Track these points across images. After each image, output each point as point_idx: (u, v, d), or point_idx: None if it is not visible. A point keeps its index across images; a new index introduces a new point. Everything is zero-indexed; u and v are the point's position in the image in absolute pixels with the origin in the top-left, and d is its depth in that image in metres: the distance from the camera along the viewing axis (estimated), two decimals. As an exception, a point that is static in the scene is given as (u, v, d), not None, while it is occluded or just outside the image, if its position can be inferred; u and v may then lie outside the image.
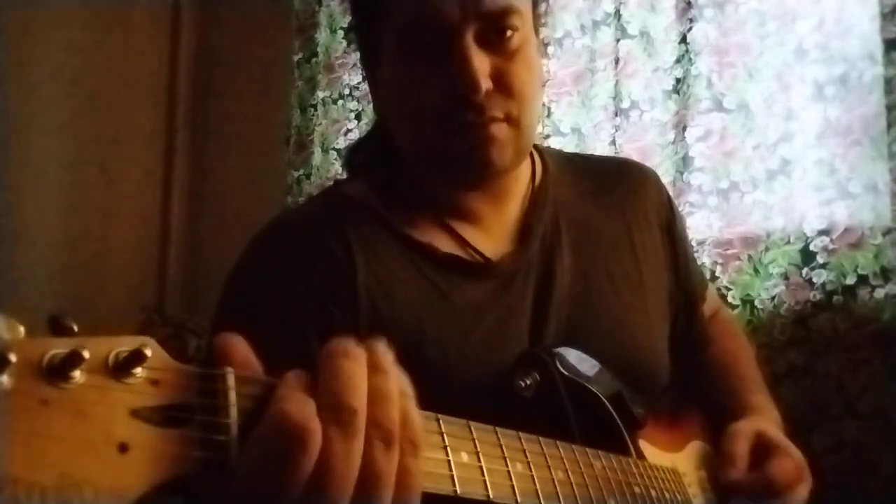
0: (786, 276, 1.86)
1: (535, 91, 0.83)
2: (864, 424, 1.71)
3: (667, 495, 0.75)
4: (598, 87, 2.22)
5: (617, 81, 2.17)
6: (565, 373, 0.76)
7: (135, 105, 2.91)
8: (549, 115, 2.27)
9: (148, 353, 0.37)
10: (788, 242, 1.88)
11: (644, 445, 0.80)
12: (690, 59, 2.06)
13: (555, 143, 2.19)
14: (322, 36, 2.73)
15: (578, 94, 2.26)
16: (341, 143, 2.64)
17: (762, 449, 0.84)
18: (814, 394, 1.74)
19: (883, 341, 1.73)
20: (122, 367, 0.37)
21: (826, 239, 1.83)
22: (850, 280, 1.79)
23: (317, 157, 2.67)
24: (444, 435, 0.50)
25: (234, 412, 0.40)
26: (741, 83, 2.01)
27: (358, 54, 0.95)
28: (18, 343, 0.35)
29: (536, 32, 0.86)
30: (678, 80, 2.09)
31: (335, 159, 2.63)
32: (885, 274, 1.76)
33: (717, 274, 1.92)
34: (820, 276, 1.82)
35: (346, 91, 2.68)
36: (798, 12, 1.96)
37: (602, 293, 0.89)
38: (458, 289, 0.83)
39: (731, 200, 1.99)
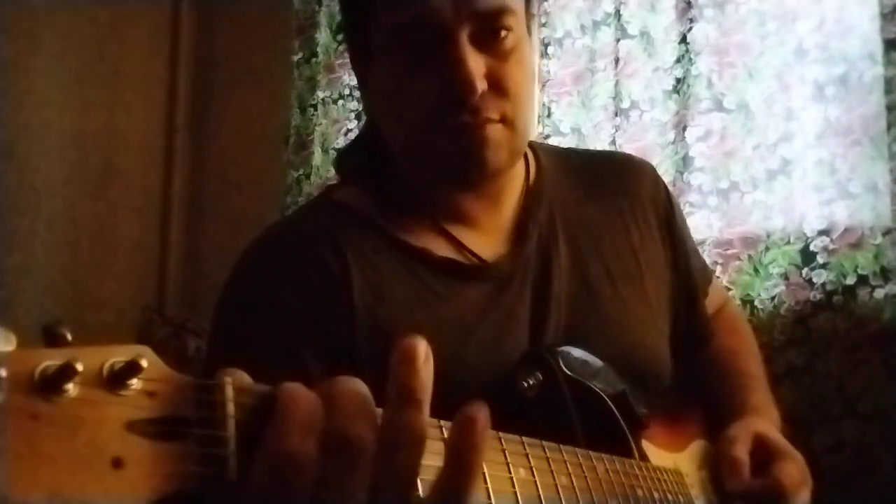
0: (786, 276, 1.86)
1: (529, 91, 0.82)
2: (864, 424, 1.71)
3: (669, 497, 0.75)
4: (598, 87, 2.22)
5: (617, 81, 2.17)
6: (568, 372, 0.76)
7: (135, 105, 2.91)
8: (549, 115, 2.27)
9: (144, 363, 0.36)
10: (788, 242, 1.88)
11: (647, 446, 0.80)
12: (690, 59, 2.06)
13: (555, 143, 2.19)
14: (322, 36, 2.72)
15: (578, 94, 2.26)
16: (341, 143, 2.63)
17: (763, 452, 0.84)
18: (814, 394, 1.74)
19: (883, 341, 1.73)
20: (117, 379, 0.35)
21: (826, 239, 1.83)
22: (850, 280, 1.79)
23: (317, 157, 2.67)
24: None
25: (231, 425, 0.38)
26: (741, 83, 2.01)
27: (349, 55, 0.94)
28: (9, 356, 0.33)
29: (530, 32, 0.85)
30: (678, 80, 2.09)
31: (334, 159, 2.63)
32: (885, 274, 1.76)
33: (717, 274, 1.92)
34: (820, 276, 1.82)
35: (346, 91, 2.67)
36: (798, 12, 1.96)
37: (601, 291, 0.88)
38: (455, 292, 0.82)
39: (731, 200, 1.99)
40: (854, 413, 1.72)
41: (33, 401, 0.33)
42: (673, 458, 0.84)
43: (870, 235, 1.79)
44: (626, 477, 0.68)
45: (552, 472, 0.57)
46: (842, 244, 1.81)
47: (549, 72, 2.29)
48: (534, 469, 0.55)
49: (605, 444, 0.70)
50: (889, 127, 1.79)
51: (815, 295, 1.81)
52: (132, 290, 2.81)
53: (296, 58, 2.76)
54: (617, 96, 2.16)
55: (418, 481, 0.43)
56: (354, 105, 2.65)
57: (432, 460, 0.46)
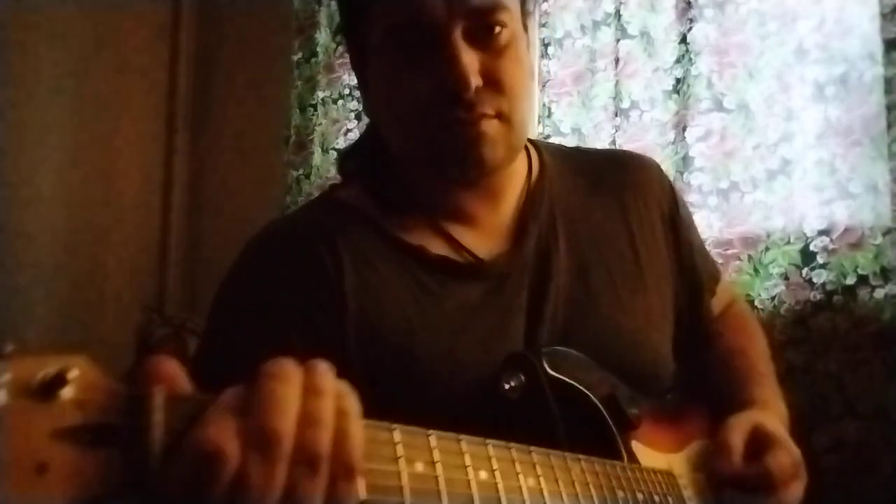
0: (786, 276, 1.86)
1: (525, 87, 0.82)
2: (864, 424, 1.71)
3: (656, 499, 0.74)
4: (598, 87, 2.22)
5: (617, 81, 2.17)
6: (552, 373, 0.75)
7: (135, 105, 2.91)
8: (549, 115, 2.27)
9: (71, 375, 0.37)
10: (788, 242, 1.88)
11: (638, 447, 0.79)
12: (690, 59, 2.06)
13: (555, 143, 2.19)
14: (322, 36, 2.73)
15: (578, 94, 2.26)
16: (341, 143, 2.64)
17: (759, 442, 0.83)
18: (814, 394, 1.74)
19: (883, 341, 1.73)
20: (47, 389, 0.37)
21: (826, 239, 1.83)
22: (850, 280, 1.79)
23: (316, 157, 2.67)
24: (398, 445, 0.50)
25: (157, 433, 0.40)
26: (741, 83, 2.01)
27: (348, 56, 0.94)
28: None
29: (527, 29, 0.85)
30: (678, 80, 2.09)
31: (335, 159, 2.63)
32: (885, 274, 1.76)
33: (717, 274, 1.92)
34: (820, 276, 1.82)
35: (346, 91, 2.68)
36: (798, 12, 1.96)
37: (600, 292, 0.88)
38: (449, 291, 0.82)
39: (731, 200, 1.99)
40: (854, 413, 1.72)
41: None
42: (667, 458, 0.83)
43: (870, 235, 1.79)
44: (606, 478, 0.67)
45: (518, 473, 0.57)
46: (842, 244, 1.81)
47: (549, 72, 2.29)
48: (496, 471, 0.55)
49: (592, 446, 0.70)
50: (889, 127, 1.79)
51: (815, 295, 1.81)
52: (132, 290, 2.81)
53: (296, 58, 2.76)
54: (617, 96, 2.16)
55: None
56: (354, 105, 2.65)
57: (383, 464, 0.47)
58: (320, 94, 2.69)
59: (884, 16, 1.81)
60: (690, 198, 2.00)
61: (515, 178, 0.90)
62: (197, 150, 3.04)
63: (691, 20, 2.07)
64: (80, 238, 2.70)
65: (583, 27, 2.29)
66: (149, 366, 0.43)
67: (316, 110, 2.69)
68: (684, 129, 2.04)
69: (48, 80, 2.61)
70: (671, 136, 2.08)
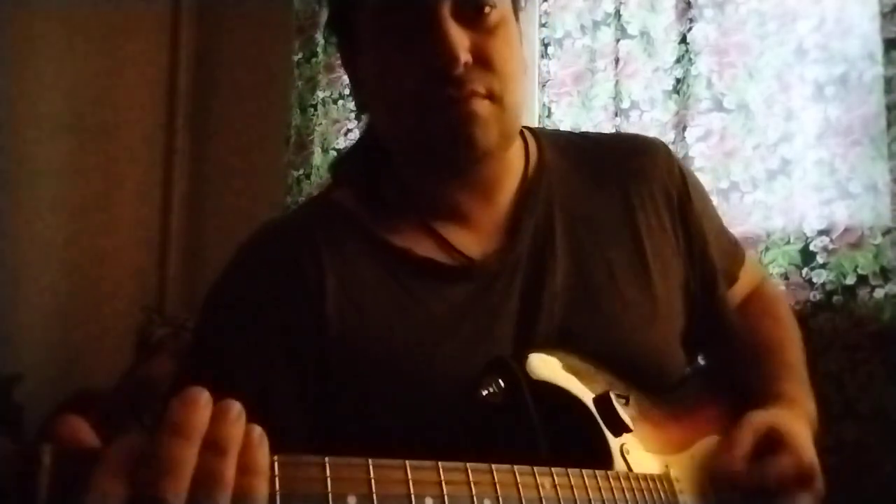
0: (786, 276, 1.86)
1: (517, 70, 0.81)
2: (864, 424, 1.71)
3: None
4: (598, 87, 2.22)
5: (617, 81, 2.17)
6: (534, 377, 0.71)
7: (135, 105, 2.91)
8: (549, 116, 2.27)
9: None
10: (788, 242, 1.88)
11: (632, 450, 0.75)
12: (690, 59, 2.06)
13: (555, 143, 2.19)
14: (322, 36, 2.72)
15: (578, 94, 2.26)
16: (341, 143, 2.63)
17: (770, 443, 0.79)
18: (814, 394, 1.73)
19: (883, 341, 1.73)
20: None
21: (826, 239, 1.83)
22: (850, 280, 1.79)
23: (317, 157, 2.67)
24: (328, 480, 0.47)
25: (43, 493, 0.38)
26: (741, 83, 2.01)
27: (339, 55, 0.93)
28: None
29: (516, 18, 0.84)
30: (678, 80, 2.09)
31: (332, 162, 2.63)
32: (884, 274, 1.76)
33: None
34: (820, 276, 1.82)
35: (346, 91, 2.67)
36: (798, 12, 1.96)
37: (600, 289, 0.85)
38: (435, 294, 0.80)
39: (731, 200, 1.99)
40: (854, 413, 1.72)
41: None
42: (666, 460, 0.79)
43: (870, 235, 1.79)
44: (581, 490, 0.63)
45: (472, 497, 0.54)
46: (842, 244, 1.81)
47: (549, 72, 2.29)
48: (446, 496, 0.52)
49: (581, 451, 0.67)
50: (889, 127, 1.79)
51: (815, 295, 1.81)
52: (132, 290, 2.81)
53: (296, 58, 2.76)
54: (617, 96, 2.16)
55: None
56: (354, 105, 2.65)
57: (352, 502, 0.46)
58: (320, 94, 2.69)
59: (884, 15, 1.81)
60: (690, 198, 2.00)
61: (511, 172, 0.88)
62: (197, 150, 3.03)
63: (691, 20, 2.07)
64: (80, 238, 2.70)
65: (583, 27, 2.28)
66: (55, 426, 0.42)
67: (316, 110, 2.69)
68: (684, 129, 2.04)
69: (48, 80, 2.61)
70: (671, 136, 2.07)
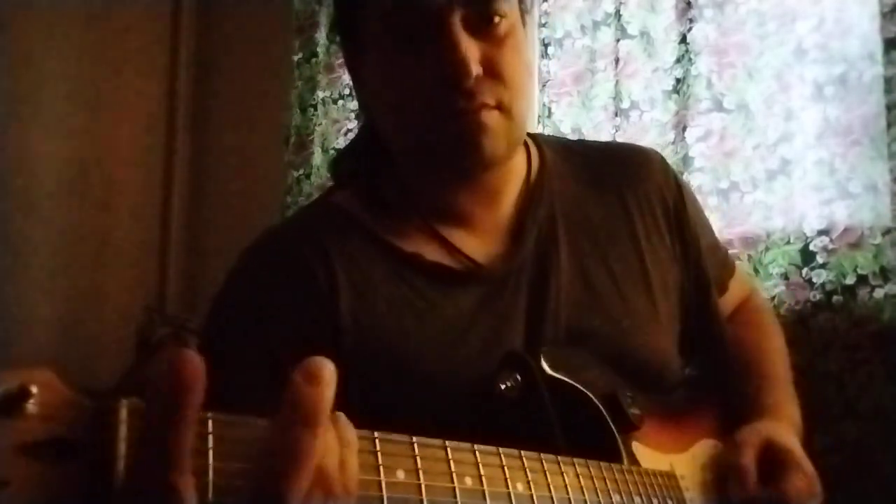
0: (786, 276, 1.86)
1: (525, 79, 0.81)
2: (864, 424, 1.71)
3: (654, 502, 0.72)
4: (598, 87, 2.22)
5: (617, 81, 2.17)
6: (549, 372, 0.73)
7: (135, 105, 2.91)
8: (549, 115, 2.27)
9: (34, 389, 0.37)
10: (788, 242, 1.88)
11: (639, 447, 0.77)
12: (690, 59, 2.06)
13: (555, 143, 2.19)
14: (322, 36, 2.73)
15: (578, 94, 2.26)
16: (341, 143, 2.64)
17: (773, 460, 0.81)
18: (814, 394, 1.73)
19: (883, 341, 1.73)
20: (10, 403, 0.37)
21: (826, 239, 1.83)
22: (850, 280, 1.79)
23: (317, 157, 2.67)
24: (379, 454, 0.48)
25: (122, 447, 0.39)
26: (741, 83, 2.01)
27: (342, 54, 0.93)
28: None
29: (524, 23, 0.84)
30: (678, 80, 2.09)
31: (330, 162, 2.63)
32: (884, 274, 1.76)
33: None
34: (820, 276, 1.82)
35: (346, 91, 2.67)
36: (798, 12, 1.96)
37: (602, 292, 0.86)
38: (446, 298, 0.81)
39: (731, 200, 1.99)
40: (854, 413, 1.72)
41: None
42: (670, 459, 0.81)
43: (870, 235, 1.79)
44: (601, 482, 0.66)
45: (506, 479, 0.56)
46: (841, 244, 1.81)
47: (549, 72, 2.29)
48: (483, 478, 0.54)
49: (591, 446, 0.68)
50: (889, 127, 1.79)
51: (815, 295, 1.81)
52: (132, 290, 2.81)
53: (296, 58, 2.76)
54: (617, 96, 2.16)
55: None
56: (354, 105, 2.65)
57: (365, 473, 0.46)
58: (320, 94, 2.69)
59: (884, 15, 1.81)
60: (690, 198, 2.00)
61: (514, 176, 0.88)
62: (197, 150, 3.04)
63: (691, 20, 2.07)
64: (80, 238, 2.70)
65: (583, 27, 2.29)
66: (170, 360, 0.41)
67: (316, 110, 2.69)
68: (684, 129, 2.05)
69: (48, 80, 2.61)
70: (671, 136, 2.08)
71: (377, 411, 0.50)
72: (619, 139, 2.13)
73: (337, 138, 2.66)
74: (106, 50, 2.80)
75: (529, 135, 0.95)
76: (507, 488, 0.56)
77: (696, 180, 2.01)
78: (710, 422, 0.91)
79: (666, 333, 0.90)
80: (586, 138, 2.19)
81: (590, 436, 0.73)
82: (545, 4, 2.32)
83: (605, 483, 0.66)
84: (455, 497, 0.52)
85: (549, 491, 0.60)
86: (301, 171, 2.68)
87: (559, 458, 0.62)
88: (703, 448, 0.87)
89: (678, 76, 2.09)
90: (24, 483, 0.36)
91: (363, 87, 0.87)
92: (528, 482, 0.58)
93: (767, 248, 1.90)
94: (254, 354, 0.78)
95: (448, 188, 0.86)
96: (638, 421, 0.77)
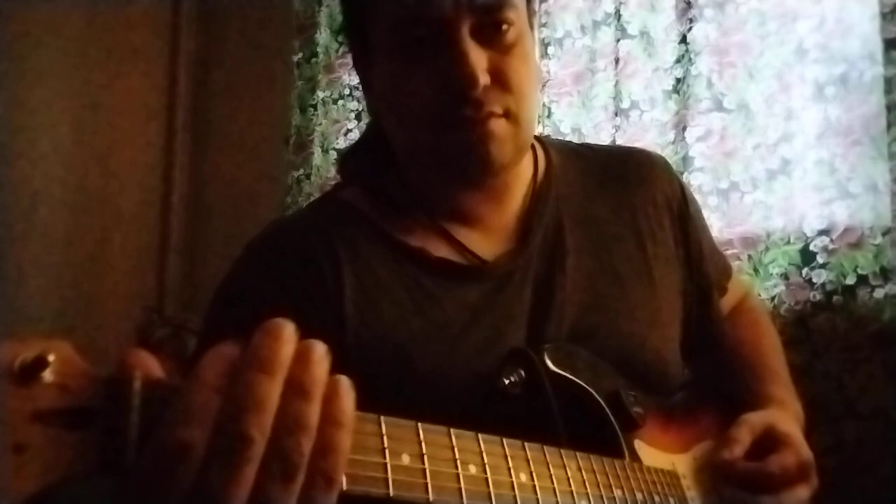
0: (786, 276, 1.86)
1: (532, 86, 0.81)
2: (864, 424, 1.71)
3: (656, 499, 0.73)
4: (598, 87, 2.22)
5: (617, 81, 2.17)
6: (553, 369, 0.74)
7: (135, 106, 2.91)
8: (549, 116, 2.27)
9: (51, 358, 0.39)
10: (788, 242, 1.88)
11: (641, 446, 0.78)
12: (690, 59, 2.06)
13: (555, 143, 2.19)
14: (322, 36, 2.73)
15: (578, 94, 2.26)
16: (341, 143, 2.64)
17: (769, 441, 0.82)
18: (814, 394, 1.74)
19: (883, 341, 1.73)
20: (28, 372, 0.38)
21: (826, 239, 1.83)
22: (850, 280, 1.79)
23: (317, 157, 2.67)
24: (384, 437, 0.49)
25: (135, 416, 0.40)
26: (741, 83, 2.01)
27: (351, 57, 0.93)
28: None
29: (532, 28, 0.84)
30: (678, 80, 2.09)
31: (335, 160, 2.63)
32: (884, 274, 1.76)
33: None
34: (820, 276, 1.82)
35: (346, 91, 2.68)
36: (798, 12, 1.96)
37: (608, 292, 0.87)
38: (450, 294, 0.81)
39: (731, 200, 1.99)
40: (854, 413, 1.72)
41: None
42: (672, 458, 0.82)
43: (870, 235, 1.79)
44: (604, 476, 0.66)
45: (509, 468, 0.57)
46: (842, 244, 1.81)
47: (549, 72, 2.29)
48: (487, 466, 0.55)
49: (593, 443, 0.69)
50: (889, 127, 1.79)
51: (815, 295, 1.81)
52: (132, 290, 2.81)
53: (296, 58, 2.76)
54: (617, 96, 2.17)
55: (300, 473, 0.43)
56: (354, 105, 2.65)
57: (368, 455, 0.47)
58: (320, 95, 2.69)
59: (884, 16, 1.81)
60: (690, 198, 2.00)
61: (521, 178, 0.89)
62: (197, 150, 3.03)
63: (691, 20, 2.08)
64: (80, 237, 2.70)
65: (583, 27, 2.29)
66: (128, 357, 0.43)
67: (316, 110, 2.69)
68: (684, 129, 2.05)
69: (48, 79, 2.61)
70: (671, 136, 2.08)
71: (380, 404, 0.50)
72: (619, 139, 2.13)
73: (337, 138, 2.66)
74: (106, 49, 2.80)
75: (535, 137, 0.95)
76: (511, 477, 0.56)
77: (696, 180, 2.01)
78: (711, 423, 0.91)
79: (669, 335, 0.91)
80: (586, 138, 2.20)
81: (592, 433, 0.74)
82: (545, 4, 2.32)
83: (608, 478, 0.67)
84: (459, 483, 0.52)
85: (552, 482, 0.60)
86: (301, 172, 2.68)
87: (562, 450, 0.63)
88: (704, 449, 0.87)
89: (678, 76, 2.09)
90: (40, 449, 0.38)
91: (371, 91, 0.88)
92: (531, 473, 0.58)
93: (767, 248, 1.90)
94: None
95: (455, 190, 0.86)
96: (640, 419, 0.77)
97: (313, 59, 2.72)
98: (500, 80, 0.77)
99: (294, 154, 2.71)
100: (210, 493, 0.41)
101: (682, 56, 2.09)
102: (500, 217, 0.87)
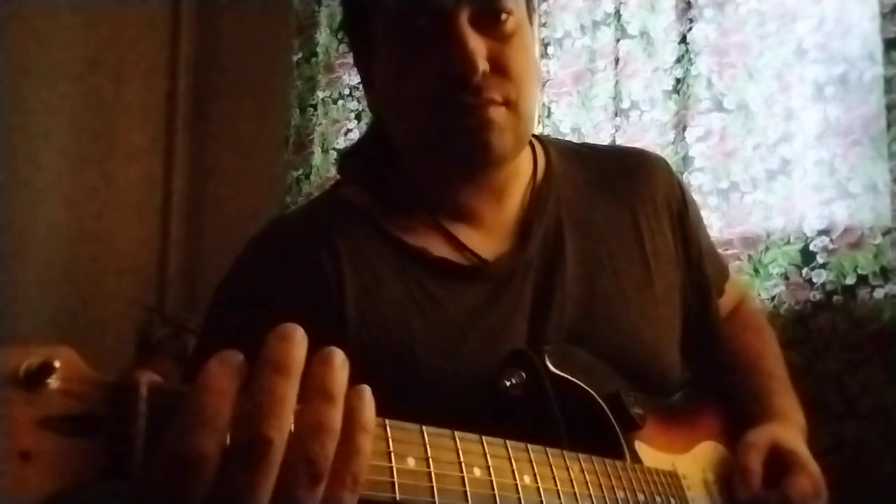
0: (786, 276, 1.86)
1: (532, 76, 0.81)
2: (864, 424, 1.71)
3: (658, 500, 0.73)
4: (598, 87, 2.22)
5: (617, 81, 2.17)
6: (555, 370, 0.74)
7: (135, 105, 2.91)
8: (549, 115, 2.27)
9: (56, 364, 0.38)
10: (788, 242, 1.88)
11: (641, 447, 0.78)
12: (690, 59, 2.06)
13: (555, 143, 2.19)
14: (322, 36, 2.73)
15: (578, 94, 2.26)
16: (341, 143, 2.64)
17: (778, 462, 0.82)
18: (814, 394, 1.74)
19: (883, 341, 1.73)
20: (33, 378, 0.38)
21: (826, 239, 1.83)
22: (850, 280, 1.79)
23: (317, 157, 2.67)
24: (390, 440, 0.49)
25: (142, 423, 0.40)
26: (741, 83, 2.01)
27: (351, 53, 0.94)
28: None
29: (531, 21, 0.85)
30: (678, 80, 2.09)
31: (335, 159, 2.63)
32: (884, 274, 1.76)
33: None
34: (820, 276, 1.82)
35: (346, 91, 2.68)
36: (798, 12, 1.96)
37: (607, 292, 0.87)
38: (451, 293, 0.81)
39: (731, 200, 1.99)
40: (854, 413, 1.72)
41: None
42: (673, 459, 0.82)
43: (870, 235, 1.79)
44: (606, 478, 0.67)
45: (513, 471, 0.57)
46: (842, 244, 1.81)
47: (549, 72, 2.29)
48: (491, 468, 0.55)
49: (594, 444, 0.69)
50: (889, 127, 1.79)
51: (815, 295, 1.81)
52: (132, 290, 2.81)
53: (296, 58, 2.76)
54: (617, 96, 2.16)
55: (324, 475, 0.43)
56: (354, 105, 2.65)
57: (373, 459, 0.47)
58: (320, 94, 2.69)
59: (884, 16, 1.81)
60: (690, 198, 2.00)
61: (520, 177, 0.89)
62: (197, 150, 3.04)
63: (691, 20, 2.07)
64: (80, 238, 2.70)
65: (583, 27, 2.29)
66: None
67: (316, 110, 2.69)
68: (684, 129, 2.05)
69: (48, 80, 2.61)
70: (671, 136, 2.08)
71: (380, 404, 0.50)
72: (619, 139, 2.13)
73: (337, 138, 2.66)
74: (106, 50, 2.80)
75: (535, 136, 0.95)
76: (515, 479, 0.56)
77: (696, 180, 2.01)
78: (711, 423, 0.92)
79: (668, 335, 0.91)
80: (586, 138, 2.20)
81: (593, 434, 0.74)
82: (545, 4, 2.32)
83: (610, 479, 0.67)
84: (464, 486, 0.52)
85: (555, 484, 0.60)
86: (301, 171, 2.68)
87: (564, 452, 0.63)
88: (705, 449, 0.87)
89: (678, 76, 2.09)
90: (46, 455, 0.37)
91: (372, 87, 0.88)
92: (535, 475, 0.58)
93: (767, 248, 1.90)
94: (256, 342, 0.78)
95: (455, 186, 0.86)
96: (641, 420, 0.77)
97: (313, 59, 2.72)
98: (500, 68, 0.77)
99: (294, 154, 2.71)
100: (232, 497, 0.40)
101: (682, 56, 2.09)
102: (499, 216, 0.87)
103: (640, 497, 0.70)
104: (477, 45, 0.75)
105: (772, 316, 1.83)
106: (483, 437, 0.56)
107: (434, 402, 0.73)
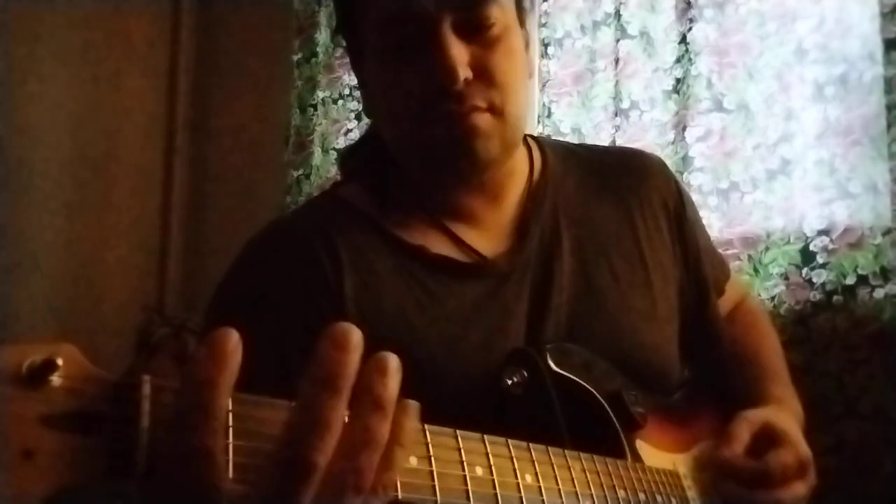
0: (786, 276, 1.86)
1: (518, 80, 0.82)
2: (864, 424, 1.71)
3: (659, 499, 0.73)
4: (598, 87, 2.22)
5: (617, 81, 2.17)
6: (556, 369, 0.74)
7: (135, 105, 2.91)
8: (549, 116, 2.27)
9: (59, 361, 0.38)
10: (788, 242, 1.88)
11: (642, 446, 0.78)
12: (690, 59, 2.06)
13: (555, 143, 2.19)
14: (322, 36, 2.73)
15: (578, 94, 2.26)
16: (341, 143, 2.64)
17: (767, 438, 0.82)
18: (814, 394, 1.74)
19: (883, 341, 1.73)
20: (36, 376, 0.37)
21: (826, 239, 1.83)
22: (850, 280, 1.79)
23: (317, 157, 2.67)
24: None
25: (145, 421, 0.40)
26: (741, 83, 2.01)
27: (348, 57, 0.95)
28: None
29: (523, 24, 0.85)
30: (678, 80, 2.09)
31: (335, 159, 2.63)
32: (884, 274, 1.76)
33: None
34: (820, 276, 1.82)
35: (346, 91, 2.68)
36: (798, 12, 1.96)
37: (604, 292, 0.87)
38: (450, 291, 0.82)
39: (731, 200, 1.99)
40: (854, 413, 1.72)
41: None
42: (672, 458, 0.82)
43: (870, 235, 1.79)
44: (607, 477, 0.67)
45: (515, 470, 0.57)
46: (842, 244, 1.82)
47: (549, 72, 2.29)
48: (493, 467, 0.55)
49: (595, 443, 0.69)
50: (889, 127, 1.79)
51: (815, 295, 1.81)
52: (132, 290, 2.81)
53: (296, 58, 2.76)
54: (617, 96, 2.16)
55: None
56: (354, 105, 2.65)
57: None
58: (320, 94, 2.69)
59: (884, 16, 1.81)
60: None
61: (517, 177, 0.90)
62: (197, 150, 3.04)
63: (691, 20, 2.08)
64: (79, 238, 2.70)
65: (583, 27, 2.29)
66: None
67: (316, 110, 2.69)
68: (684, 129, 2.05)
69: (48, 80, 2.61)
70: (671, 136, 2.08)
71: None
72: (619, 139, 2.13)
73: (337, 138, 2.66)
74: (106, 50, 2.80)
75: (532, 137, 0.96)
76: (516, 478, 0.57)
77: (696, 180, 2.01)
78: (711, 423, 0.91)
79: (666, 334, 0.91)
80: (586, 138, 2.20)
81: (594, 433, 0.74)
82: (545, 4, 2.32)
83: (611, 478, 0.67)
84: (466, 485, 0.52)
85: (557, 483, 0.60)
86: (301, 171, 2.68)
87: (566, 451, 0.63)
88: (704, 449, 0.87)
89: (678, 76, 2.09)
90: (48, 454, 0.37)
91: (367, 90, 0.89)
92: (537, 474, 0.59)
93: (767, 248, 1.90)
94: (256, 341, 0.78)
95: (450, 188, 0.87)
96: (642, 419, 0.78)
97: (313, 59, 2.72)
98: (484, 74, 0.78)
99: (294, 154, 2.71)
100: (274, 498, 0.40)
101: (682, 56, 2.09)
102: (496, 215, 0.88)
103: (641, 496, 0.70)
104: (459, 52, 0.76)
105: (772, 316, 1.83)
106: (485, 436, 0.56)
107: (434, 399, 0.74)
